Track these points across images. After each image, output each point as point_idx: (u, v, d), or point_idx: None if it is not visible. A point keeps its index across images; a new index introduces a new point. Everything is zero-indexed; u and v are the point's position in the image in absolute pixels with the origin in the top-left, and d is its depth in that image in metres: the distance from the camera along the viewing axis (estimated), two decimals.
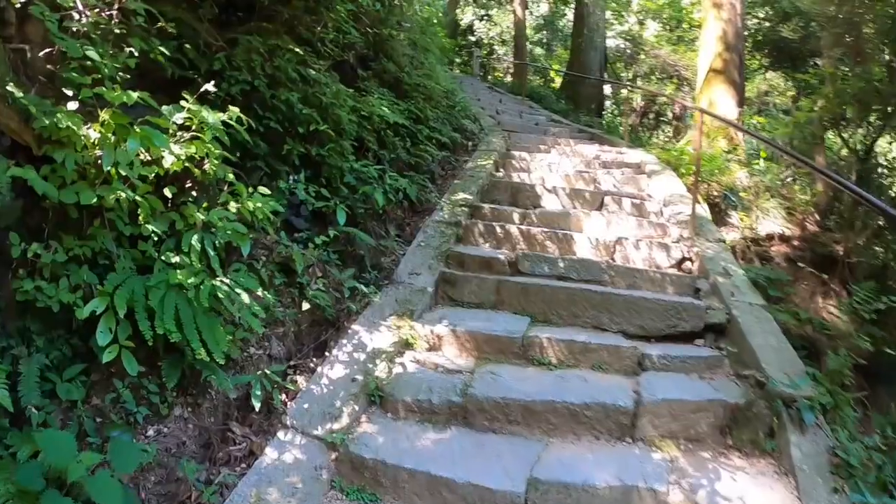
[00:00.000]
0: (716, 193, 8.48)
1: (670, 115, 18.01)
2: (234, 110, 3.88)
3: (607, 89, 19.56)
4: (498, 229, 6.18)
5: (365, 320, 4.85)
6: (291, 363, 4.60)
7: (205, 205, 4.04)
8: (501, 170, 8.71)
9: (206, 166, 3.84)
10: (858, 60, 7.60)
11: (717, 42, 12.16)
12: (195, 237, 3.77)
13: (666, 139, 14.96)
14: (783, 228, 7.88)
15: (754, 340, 4.51)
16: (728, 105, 11.74)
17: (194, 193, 4.05)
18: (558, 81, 22.27)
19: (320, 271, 5.36)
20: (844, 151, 10.42)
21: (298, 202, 5.55)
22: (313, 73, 5.90)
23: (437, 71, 10.12)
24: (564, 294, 5.05)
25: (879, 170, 10.00)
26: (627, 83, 17.37)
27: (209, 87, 4.03)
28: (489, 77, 26.19)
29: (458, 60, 26.47)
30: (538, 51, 27.70)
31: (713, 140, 10.70)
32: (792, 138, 8.27)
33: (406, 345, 4.68)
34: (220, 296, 3.63)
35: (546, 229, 6.17)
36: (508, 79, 24.12)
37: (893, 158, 12.20)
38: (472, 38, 26.05)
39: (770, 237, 7.67)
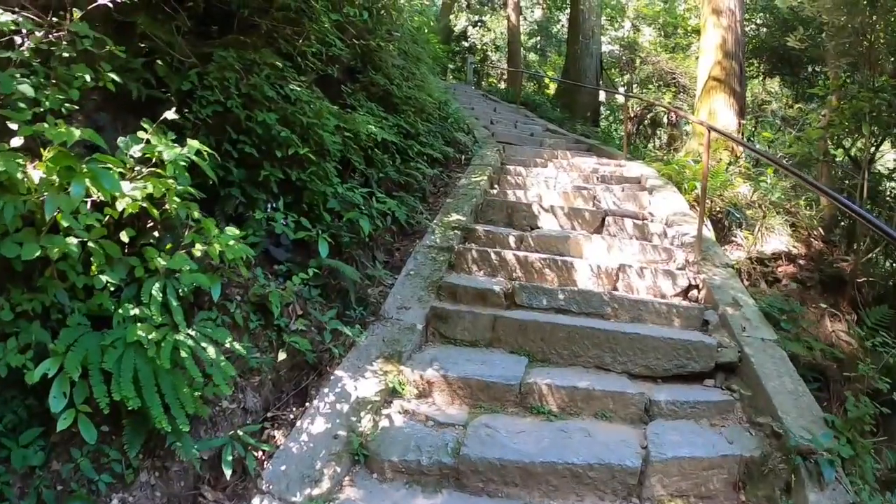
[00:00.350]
0: (719, 209, 8.15)
1: (666, 121, 17.70)
2: (194, 144, 3.51)
3: (603, 96, 19.24)
4: (493, 256, 5.82)
5: (349, 364, 4.49)
6: (269, 414, 4.24)
7: (168, 245, 3.69)
8: (496, 186, 8.37)
9: (168, 205, 3.47)
10: (870, 71, 7.26)
11: (716, 50, 11.86)
12: (156, 286, 3.41)
13: (663, 149, 14.65)
14: (789, 246, 7.54)
15: (769, 384, 4.17)
16: (728, 116, 11.43)
17: (156, 234, 3.69)
18: (553, 87, 21.97)
19: (301, 309, 5.00)
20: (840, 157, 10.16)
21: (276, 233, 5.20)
22: (297, 89, 5.55)
23: (430, 81, 9.78)
24: (564, 332, 4.69)
25: (884, 182, 9.71)
26: (624, 92, 17.05)
27: (170, 114, 3.66)
28: (483, 84, 25.90)
29: (451, 66, 26.21)
30: (532, 57, 27.41)
31: (715, 151, 10.38)
32: (799, 155, 7.93)
33: (393, 392, 4.31)
34: (184, 354, 3.27)
35: (544, 255, 5.81)
36: (503, 85, 23.82)
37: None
38: (466, 44, 25.73)
39: (776, 256, 7.33)
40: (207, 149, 3.74)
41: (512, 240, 6.34)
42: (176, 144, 3.54)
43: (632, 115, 16.30)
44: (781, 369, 4.35)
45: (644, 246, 6.10)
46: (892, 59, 7.33)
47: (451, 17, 25.75)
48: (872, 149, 8.24)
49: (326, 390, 4.23)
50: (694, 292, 5.54)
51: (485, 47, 26.16)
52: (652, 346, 4.55)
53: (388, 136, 6.88)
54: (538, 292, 5.24)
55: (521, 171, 8.90)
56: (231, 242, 3.75)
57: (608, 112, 20.18)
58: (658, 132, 17.22)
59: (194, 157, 3.55)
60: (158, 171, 3.40)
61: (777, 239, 7.56)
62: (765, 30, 16.79)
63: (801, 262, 7.44)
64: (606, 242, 6.16)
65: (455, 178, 8.35)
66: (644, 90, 17.08)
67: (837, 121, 7.31)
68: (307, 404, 4.22)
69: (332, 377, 4.36)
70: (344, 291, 5.30)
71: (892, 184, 9.35)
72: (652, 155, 12.19)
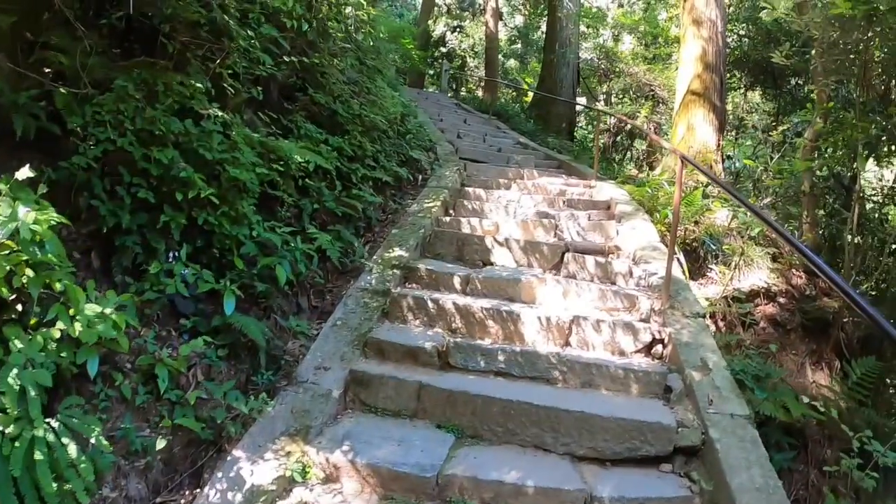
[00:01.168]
0: (693, 238, 7.48)
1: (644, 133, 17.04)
2: (45, 218, 2.83)
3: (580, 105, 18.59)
4: (430, 304, 5.12)
5: (250, 442, 3.79)
6: (159, 500, 3.60)
7: (33, 321, 3.06)
8: (451, 212, 7.67)
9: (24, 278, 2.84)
10: (864, 92, 6.60)
11: (696, 62, 11.22)
12: (13, 373, 2.79)
13: (640, 161, 14.00)
14: (769, 281, 6.87)
15: (734, 478, 3.47)
16: (707, 131, 10.79)
17: (20, 308, 3.06)
18: (531, 95, 21.32)
19: (202, 373, 4.30)
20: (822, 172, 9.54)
21: (185, 281, 4.48)
22: (218, 114, 4.84)
23: (387, 95, 9.07)
24: (499, 406, 3.98)
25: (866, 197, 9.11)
26: (602, 104, 16.38)
27: (24, 173, 2.98)
28: (462, 91, 25.21)
29: (431, 72, 25.56)
30: (513, 63, 26.77)
31: (692, 172, 9.74)
32: (784, 188, 7.29)
33: (293, 481, 3.61)
34: (39, 456, 2.66)
35: (489, 303, 5.11)
36: (480, 93, 23.14)
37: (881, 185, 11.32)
38: (444, 50, 25.03)
39: (755, 293, 6.66)
40: (57, 217, 3.09)
41: (457, 281, 5.64)
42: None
43: (607, 127, 15.67)
44: (751, 457, 3.66)
45: (604, 292, 5.39)
46: (888, 79, 6.68)
47: (430, 21, 25.03)
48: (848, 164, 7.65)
49: (220, 475, 3.58)
50: (658, 347, 4.85)
51: (463, 53, 25.47)
52: (601, 426, 3.85)
53: (323, 161, 6.18)
54: (475, 352, 4.54)
55: (480, 195, 8.20)
56: (108, 310, 3.17)
57: (586, 122, 19.52)
58: (635, 144, 16.57)
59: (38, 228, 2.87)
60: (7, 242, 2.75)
61: (756, 273, 6.89)
62: (747, 41, 16.19)
63: (782, 299, 6.78)
64: (562, 287, 5.46)
65: (407, 203, 7.65)
66: (620, 102, 16.44)
67: (829, 150, 6.64)
68: (198, 490, 3.56)
69: (229, 457, 3.71)
70: (256, 349, 4.60)
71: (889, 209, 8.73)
72: (626, 173, 11.53)
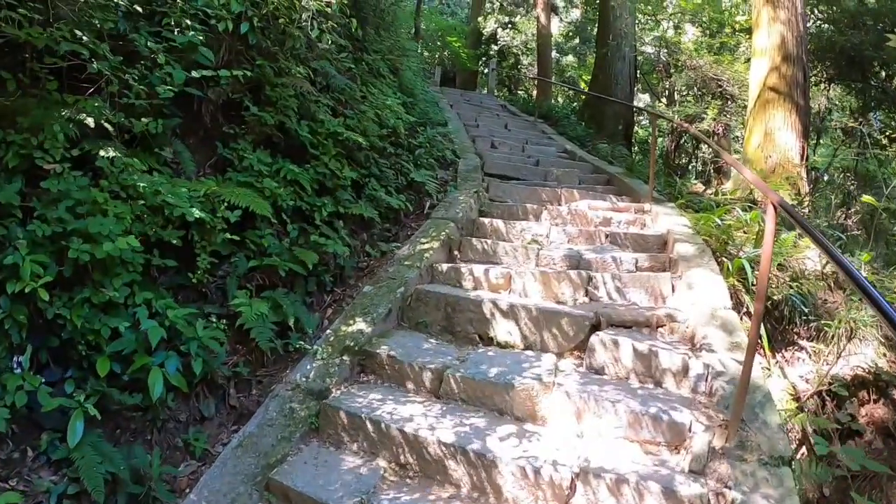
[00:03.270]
0: (774, 287, 5.39)
1: (712, 132, 14.60)
2: None
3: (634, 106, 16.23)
4: (370, 428, 3.32)
5: None
6: None
7: None
8: (457, 253, 5.84)
9: None
10: None
11: (773, 52, 9.01)
12: None
13: (705, 173, 11.75)
14: (880, 360, 4.74)
15: None
16: (788, 138, 8.59)
17: None
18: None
19: None
20: None
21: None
22: (113, 155, 3.26)
23: (393, 102, 7.29)
24: None
25: None
26: (656, 111, 14.08)
27: None
28: (519, 92, 23.14)
29: (486, 71, 23.60)
30: (570, 59, 24.52)
31: (770, 182, 7.61)
32: None
33: None
34: None
35: (453, 433, 3.27)
36: (535, 92, 21.01)
37: None
38: (496, 48, 23.01)
39: (858, 382, 4.55)
40: None
41: (428, 377, 3.84)
42: None
43: (669, 129, 13.40)
44: None
45: (639, 417, 3.40)
46: None
47: (480, 18, 23.06)
48: None
49: None
50: None
51: (516, 51, 23.38)
52: None
53: (258, 205, 4.46)
54: None
55: (499, 228, 6.32)
56: None
57: (648, 122, 17.13)
58: (700, 149, 14.18)
59: None
60: None
61: (862, 349, 4.78)
62: (827, 26, 13.62)
63: None
64: (575, 405, 3.53)
65: (404, 241, 5.87)
66: (683, 100, 14.08)
67: None
68: None
69: None
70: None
71: None
72: (689, 185, 9.36)
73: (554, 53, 22.21)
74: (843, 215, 9.18)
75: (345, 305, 4.89)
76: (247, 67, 4.90)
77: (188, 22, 4.60)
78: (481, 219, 6.50)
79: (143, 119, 4.04)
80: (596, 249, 5.85)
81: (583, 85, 20.57)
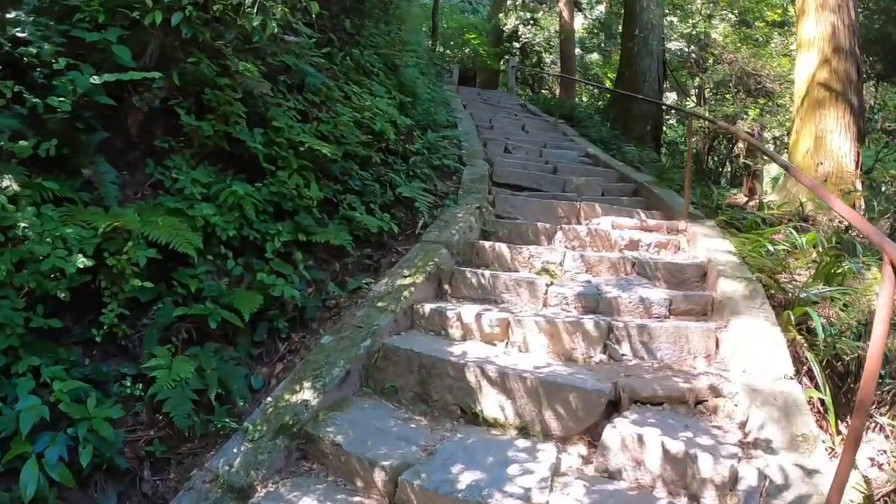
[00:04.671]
0: (838, 327, 4.11)
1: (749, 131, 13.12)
2: None
3: (665, 105, 14.83)
4: None
5: None
6: None
7: None
8: (448, 287, 4.68)
9: None
10: None
11: (823, 43, 7.68)
12: None
13: (739, 174, 10.36)
14: None
15: None
16: (842, 143, 7.27)
17: None
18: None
19: None
20: None
21: None
22: None
23: (383, 103, 6.14)
24: None
25: None
26: (694, 110, 12.68)
27: None
28: (543, 91, 21.80)
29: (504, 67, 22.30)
30: (595, 57, 23.09)
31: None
32: None
33: None
34: None
35: None
36: (559, 91, 19.65)
37: None
38: (517, 45, 21.70)
39: None
40: None
41: (380, 478, 2.73)
42: None
43: (704, 129, 12.04)
44: None
45: None
46: None
47: (501, 15, 21.77)
48: None
49: None
50: None
51: (538, 48, 22.03)
52: None
53: (182, 240, 3.38)
54: None
55: (503, 253, 5.15)
56: None
57: (677, 121, 15.72)
58: (737, 149, 12.74)
59: None
60: None
61: None
62: (876, 17, 12.12)
63: None
64: None
65: (380, 276, 4.73)
66: (716, 99, 12.63)
67: None
68: None
69: None
70: None
71: None
72: (727, 197, 8.04)
73: (577, 50, 20.85)
74: None
75: (297, 360, 3.79)
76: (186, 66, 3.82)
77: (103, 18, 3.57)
78: (482, 242, 5.32)
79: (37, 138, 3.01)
80: (620, 284, 4.65)
81: (608, 83, 19.19)
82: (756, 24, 14.81)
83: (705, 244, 5.23)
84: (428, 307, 4.18)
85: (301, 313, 4.18)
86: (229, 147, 4.23)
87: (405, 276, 4.47)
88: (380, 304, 4.13)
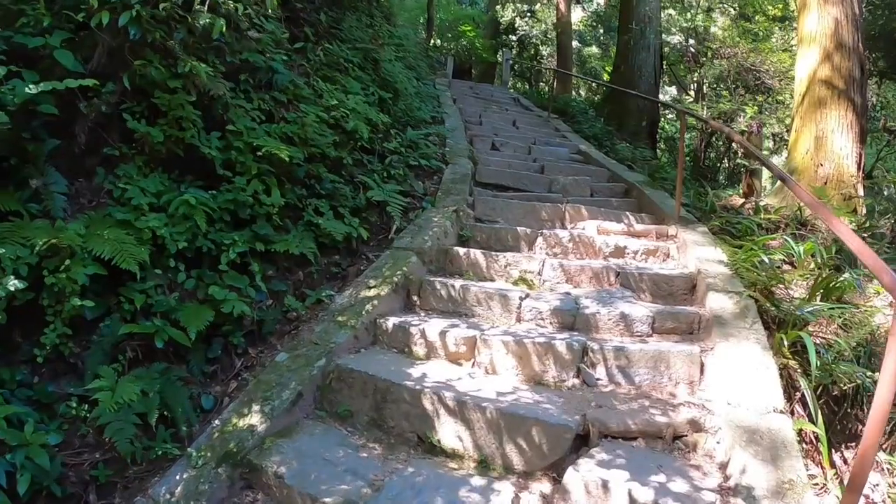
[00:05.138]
0: (842, 376, 3.77)
1: (745, 129, 12.75)
2: None
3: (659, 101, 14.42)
4: None
5: None
6: None
7: None
8: (416, 299, 4.39)
9: None
10: None
11: (824, 39, 7.35)
12: None
13: (742, 177, 10.01)
14: None
15: None
16: (844, 143, 6.95)
17: None
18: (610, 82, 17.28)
19: None
20: None
21: None
22: None
23: (359, 100, 5.83)
24: None
25: None
26: (685, 108, 12.34)
27: None
28: (539, 84, 21.43)
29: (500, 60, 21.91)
30: (593, 50, 22.71)
31: (824, 200, 5.99)
32: None
33: None
34: None
35: None
36: (555, 85, 19.24)
37: None
38: (514, 38, 21.29)
39: None
40: None
41: None
42: None
43: (698, 127, 11.70)
44: None
45: None
46: None
47: (498, 7, 21.36)
48: None
49: None
50: None
51: (535, 41, 21.62)
52: None
53: (126, 256, 3.13)
54: None
55: (477, 261, 4.85)
56: None
57: (674, 118, 15.35)
58: (733, 149, 12.39)
59: None
60: None
61: None
62: (880, 12, 11.74)
63: None
64: None
65: (346, 285, 4.43)
66: (715, 94, 12.28)
67: None
68: None
69: None
70: None
71: None
72: (722, 198, 7.72)
73: (575, 43, 20.47)
74: None
75: (252, 378, 3.51)
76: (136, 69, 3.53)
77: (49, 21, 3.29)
78: (457, 248, 5.01)
79: None
80: (601, 297, 4.35)
81: (605, 77, 18.81)
82: (756, 18, 14.43)
83: (696, 253, 4.93)
84: (392, 322, 3.88)
85: (259, 327, 3.90)
86: (184, 153, 3.93)
87: (370, 288, 4.18)
88: (340, 318, 3.85)
